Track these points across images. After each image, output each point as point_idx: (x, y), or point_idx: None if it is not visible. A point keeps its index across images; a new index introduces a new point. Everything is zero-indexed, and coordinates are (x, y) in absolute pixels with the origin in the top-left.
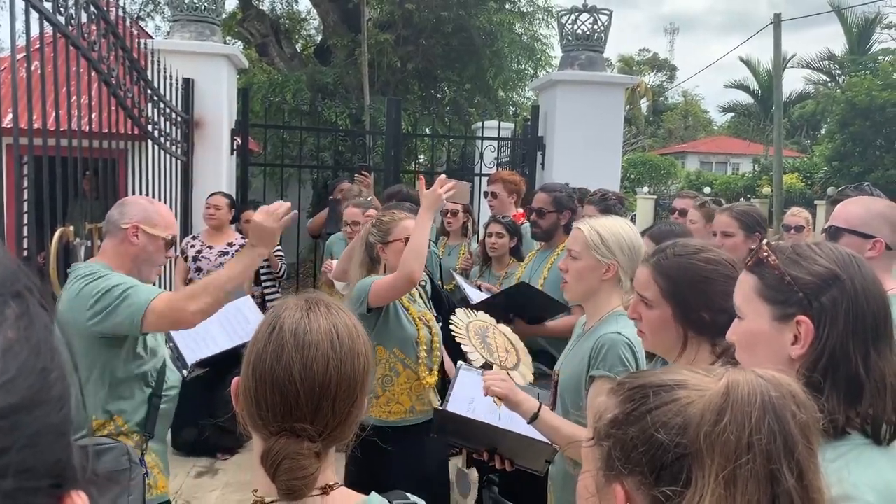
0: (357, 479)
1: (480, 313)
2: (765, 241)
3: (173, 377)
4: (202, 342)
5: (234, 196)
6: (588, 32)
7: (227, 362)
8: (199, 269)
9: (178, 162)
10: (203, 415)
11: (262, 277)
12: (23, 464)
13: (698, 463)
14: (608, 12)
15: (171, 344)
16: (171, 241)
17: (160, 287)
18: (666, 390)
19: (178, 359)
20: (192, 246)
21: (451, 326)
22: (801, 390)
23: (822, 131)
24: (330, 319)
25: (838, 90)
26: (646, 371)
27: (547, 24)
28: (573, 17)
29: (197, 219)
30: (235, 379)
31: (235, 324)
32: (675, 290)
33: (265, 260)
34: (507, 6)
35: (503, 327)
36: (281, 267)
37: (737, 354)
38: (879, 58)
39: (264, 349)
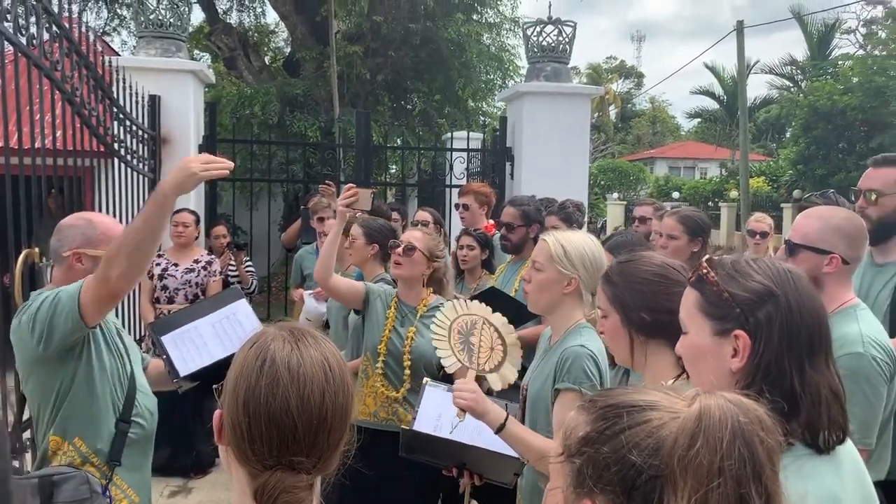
0: None
1: (474, 305)
2: (706, 257)
3: (148, 403)
4: (196, 352)
5: (202, 213)
6: (553, 44)
7: (214, 377)
8: (165, 288)
9: (146, 179)
10: (174, 434)
11: None
12: None
13: (671, 485)
14: (572, 24)
15: (164, 357)
16: None
17: (128, 307)
18: (638, 411)
19: (170, 371)
20: (158, 264)
21: (432, 326)
22: (766, 415)
23: (787, 135)
24: (320, 350)
25: (801, 95)
26: (617, 389)
27: (514, 34)
28: (538, 29)
29: (164, 236)
30: (217, 412)
31: (230, 331)
32: (616, 294)
33: (236, 274)
34: (474, 17)
35: (498, 318)
36: (252, 282)
37: (687, 368)
38: (839, 63)
39: (257, 383)
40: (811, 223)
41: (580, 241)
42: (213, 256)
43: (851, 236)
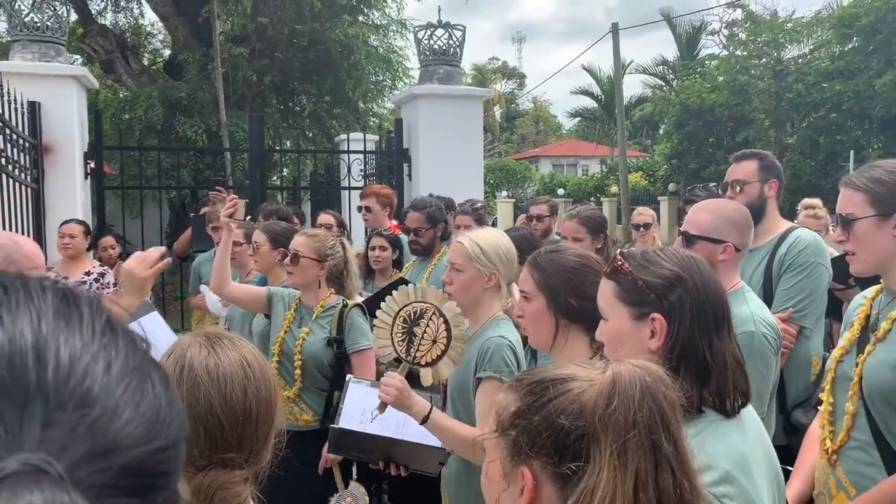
0: None
1: (430, 292)
2: (618, 251)
3: None
4: None
5: (89, 222)
6: (444, 47)
7: None
8: None
9: (29, 190)
10: None
11: None
12: (175, 482)
13: (595, 441)
14: (462, 28)
15: None
16: None
17: None
18: (561, 382)
19: None
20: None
21: (378, 312)
22: (666, 374)
23: (661, 132)
24: (237, 351)
25: (672, 93)
26: (539, 368)
27: (402, 36)
28: (429, 32)
29: (51, 249)
30: None
31: None
32: (546, 280)
33: None
34: (360, 19)
35: (449, 308)
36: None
37: (605, 351)
38: (706, 62)
39: (178, 390)
40: (705, 215)
41: (493, 238)
42: (105, 268)
43: (741, 225)
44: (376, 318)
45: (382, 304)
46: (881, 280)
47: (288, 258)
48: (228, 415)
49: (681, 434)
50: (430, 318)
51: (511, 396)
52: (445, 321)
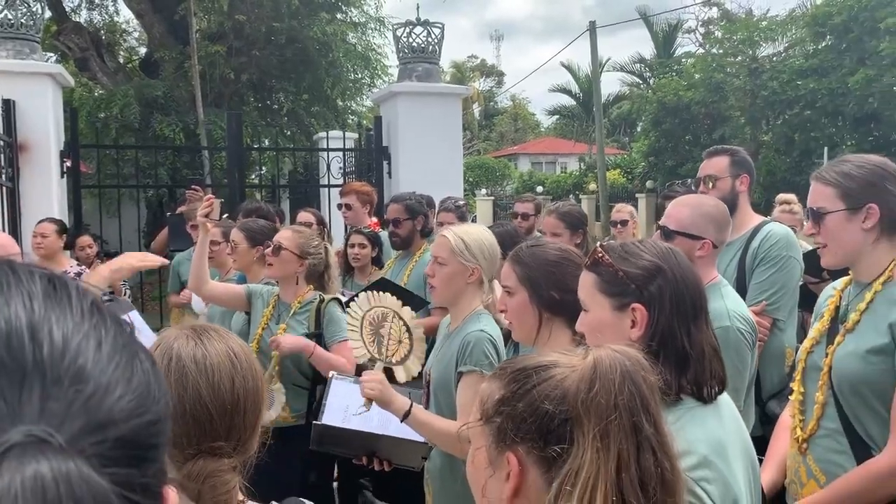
0: None
1: (386, 297)
2: (598, 244)
3: None
4: None
5: (65, 221)
6: (423, 45)
7: None
8: None
9: (4, 189)
10: None
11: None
12: (163, 456)
13: (578, 424)
14: (440, 25)
15: None
16: None
17: None
18: (543, 369)
19: None
20: None
21: (347, 317)
22: (644, 359)
23: (638, 129)
24: (223, 342)
25: (650, 91)
26: (521, 357)
27: (380, 34)
28: (408, 30)
29: (28, 248)
30: None
31: None
32: (528, 274)
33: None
34: (339, 17)
35: (406, 312)
36: (124, 291)
37: (587, 342)
38: (683, 60)
39: (166, 381)
40: (684, 211)
41: (478, 234)
42: (82, 268)
43: (719, 222)
44: (347, 321)
45: (349, 309)
46: (850, 272)
47: (270, 249)
48: (217, 404)
49: (660, 416)
50: (392, 321)
51: (495, 384)
52: (404, 323)
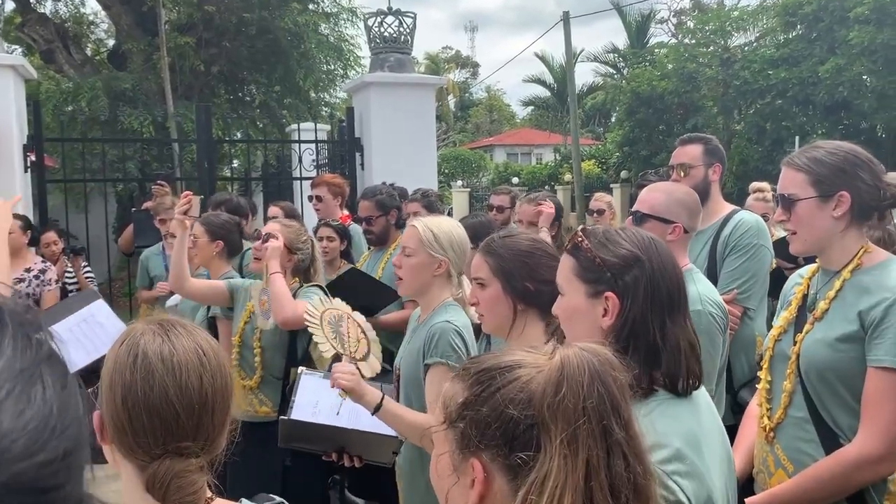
0: None
1: (336, 301)
2: (580, 227)
3: None
4: None
5: (30, 217)
6: (395, 35)
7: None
8: None
9: None
10: None
11: None
12: (72, 494)
13: (545, 429)
14: (412, 15)
15: None
16: None
17: None
18: (508, 370)
19: None
20: None
21: (305, 316)
22: (614, 357)
23: (613, 120)
24: (191, 338)
25: (623, 81)
26: (484, 355)
27: (353, 24)
28: (379, 20)
29: None
30: (96, 413)
31: (92, 335)
32: (501, 265)
33: (74, 282)
34: (311, 7)
35: (358, 316)
36: (92, 289)
37: (561, 325)
38: (656, 50)
39: (132, 378)
40: (657, 196)
41: (447, 226)
42: (47, 264)
43: (691, 208)
44: (307, 322)
45: (307, 308)
46: (817, 259)
47: (260, 240)
48: (184, 403)
49: (632, 417)
50: (348, 322)
51: (458, 386)
52: (359, 325)
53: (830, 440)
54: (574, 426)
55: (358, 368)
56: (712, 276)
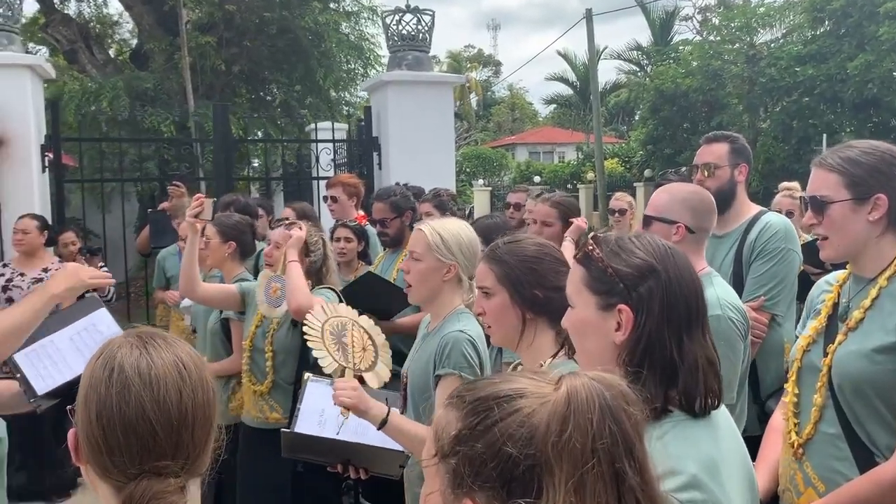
0: None
1: (341, 307)
2: (591, 235)
3: None
4: (54, 367)
5: (47, 217)
6: (413, 33)
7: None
8: (10, 300)
9: None
10: (33, 455)
11: None
12: None
13: (548, 472)
14: (431, 12)
15: (18, 375)
16: None
17: None
18: (507, 400)
19: (26, 391)
20: (2, 275)
21: (304, 328)
22: (628, 388)
23: (636, 118)
24: (171, 351)
25: (647, 79)
26: (482, 380)
27: (373, 23)
28: (397, 17)
29: (8, 245)
30: (72, 431)
31: (92, 344)
32: (508, 273)
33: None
34: (331, 6)
35: (364, 320)
36: (109, 289)
37: (571, 340)
38: (680, 48)
39: (107, 393)
40: (662, 197)
41: (456, 229)
42: (65, 265)
43: (695, 208)
44: (306, 335)
45: (307, 319)
46: (847, 266)
47: (272, 245)
48: (162, 420)
49: (647, 459)
50: (353, 330)
51: (452, 416)
52: (365, 331)
53: (865, 458)
54: (581, 469)
55: (363, 380)
56: (738, 280)
